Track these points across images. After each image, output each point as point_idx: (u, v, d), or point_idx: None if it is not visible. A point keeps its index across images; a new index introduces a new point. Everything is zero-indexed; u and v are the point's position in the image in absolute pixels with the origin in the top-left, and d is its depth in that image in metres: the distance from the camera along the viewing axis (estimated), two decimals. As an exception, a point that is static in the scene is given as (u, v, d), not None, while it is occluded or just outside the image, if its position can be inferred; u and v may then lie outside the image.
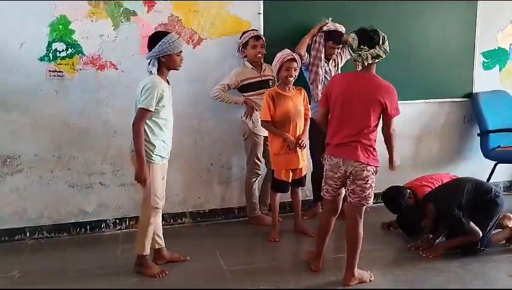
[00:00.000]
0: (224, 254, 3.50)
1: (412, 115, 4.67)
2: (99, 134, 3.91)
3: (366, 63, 2.96)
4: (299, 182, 3.86)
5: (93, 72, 3.81)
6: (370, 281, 3.14)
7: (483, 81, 4.84)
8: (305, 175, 3.87)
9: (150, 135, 3.07)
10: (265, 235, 3.86)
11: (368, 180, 2.98)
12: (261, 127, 3.85)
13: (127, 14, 3.80)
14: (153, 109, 3.00)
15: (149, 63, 3.08)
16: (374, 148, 3.02)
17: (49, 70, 3.71)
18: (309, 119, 3.82)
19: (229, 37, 4.01)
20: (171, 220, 4.16)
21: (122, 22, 3.80)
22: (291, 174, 3.78)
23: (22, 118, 3.74)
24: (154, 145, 3.10)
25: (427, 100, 4.71)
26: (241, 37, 3.91)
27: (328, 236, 3.25)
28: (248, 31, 3.93)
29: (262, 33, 4.02)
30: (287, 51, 3.64)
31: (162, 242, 3.40)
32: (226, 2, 3.99)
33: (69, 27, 3.71)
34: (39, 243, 3.84)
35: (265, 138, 3.97)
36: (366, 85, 3.00)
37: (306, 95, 3.81)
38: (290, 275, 3.30)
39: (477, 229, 3.41)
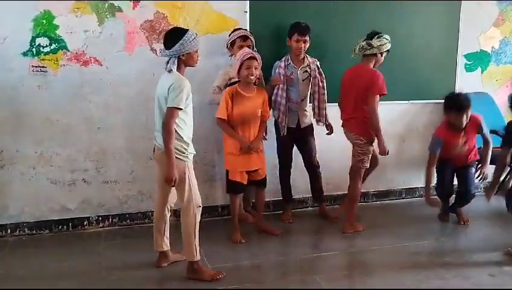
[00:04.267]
0: (207, 252, 3.49)
1: (395, 115, 4.73)
2: (82, 130, 3.88)
3: (355, 51, 3.86)
4: (261, 182, 3.85)
5: (77, 68, 3.77)
6: (363, 230, 3.97)
7: (466, 83, 4.90)
8: (265, 176, 3.87)
9: (181, 133, 3.03)
10: (249, 233, 3.87)
11: (361, 147, 3.85)
12: None
13: (112, 10, 3.78)
14: (183, 107, 2.97)
15: (167, 61, 3.02)
16: (367, 123, 3.81)
17: (32, 66, 3.67)
18: (266, 122, 3.84)
19: (215, 35, 4.01)
20: (155, 218, 4.15)
21: (107, 17, 3.78)
22: (246, 175, 3.74)
23: (4, 113, 3.69)
24: (188, 143, 3.08)
25: (410, 101, 4.76)
26: (230, 35, 3.88)
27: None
28: (237, 29, 3.90)
29: (245, 30, 3.98)
30: (246, 50, 3.60)
31: (168, 244, 3.36)
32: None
33: (53, 22, 3.67)
34: (20, 240, 3.80)
35: None
36: (358, 74, 3.85)
37: (266, 97, 3.76)
38: (273, 272, 3.32)
39: None
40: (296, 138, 4.12)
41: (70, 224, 3.97)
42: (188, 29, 3.03)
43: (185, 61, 3.03)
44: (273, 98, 3.95)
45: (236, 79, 3.73)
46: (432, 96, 4.82)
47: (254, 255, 3.57)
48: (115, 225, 4.05)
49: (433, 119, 4.89)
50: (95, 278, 3.18)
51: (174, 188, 3.13)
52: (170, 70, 3.00)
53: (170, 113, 2.94)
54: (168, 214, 3.35)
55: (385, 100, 4.54)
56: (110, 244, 3.74)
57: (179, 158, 3.02)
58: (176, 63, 3.00)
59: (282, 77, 3.93)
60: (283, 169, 4.22)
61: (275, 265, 3.45)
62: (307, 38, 3.91)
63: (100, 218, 4.03)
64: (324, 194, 4.35)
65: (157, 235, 3.32)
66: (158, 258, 3.35)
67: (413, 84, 4.72)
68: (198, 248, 3.14)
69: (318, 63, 4.07)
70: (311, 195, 4.38)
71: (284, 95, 3.95)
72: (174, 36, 2.99)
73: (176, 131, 2.98)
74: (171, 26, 3.88)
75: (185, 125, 3.05)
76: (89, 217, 4.00)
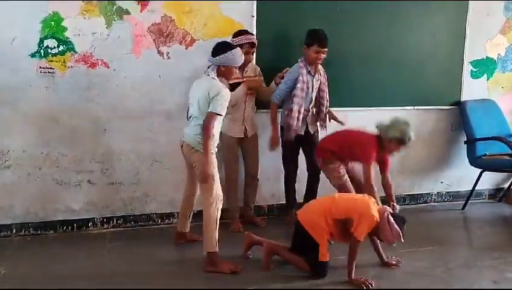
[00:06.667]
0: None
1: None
2: (88, 132, 3.89)
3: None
4: None
5: (84, 69, 3.80)
6: None
7: (471, 89, 4.90)
8: None
9: (214, 132, 3.23)
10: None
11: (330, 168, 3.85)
12: (232, 128, 3.95)
13: (120, 13, 3.80)
14: (223, 114, 3.23)
15: (209, 66, 3.28)
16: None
17: (40, 67, 3.70)
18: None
19: (222, 38, 3.99)
20: (159, 220, 4.16)
21: (115, 20, 3.80)
22: None
23: (11, 114, 3.72)
24: (215, 141, 3.31)
25: (416, 107, 4.76)
26: (235, 36, 3.84)
27: None
28: (244, 33, 3.87)
29: (254, 35, 3.99)
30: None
31: (189, 227, 3.74)
32: (219, 2, 4.00)
33: (62, 24, 3.70)
34: (25, 240, 3.82)
35: (241, 138, 4.01)
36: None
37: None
38: (280, 275, 3.31)
39: None
40: (302, 142, 4.12)
41: (75, 225, 3.98)
42: (236, 46, 3.34)
43: (223, 72, 3.30)
44: (289, 107, 3.93)
45: (239, 80, 3.79)
46: (437, 102, 4.83)
47: (257, 258, 3.58)
48: (119, 227, 4.06)
49: (438, 125, 4.89)
50: (99, 278, 3.19)
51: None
52: (208, 75, 3.25)
53: (212, 118, 3.18)
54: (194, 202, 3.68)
55: (390, 106, 4.58)
56: (115, 246, 3.75)
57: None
58: (215, 71, 3.27)
59: (303, 84, 3.89)
60: (290, 174, 4.19)
61: (276, 266, 3.46)
62: (327, 49, 3.88)
63: (105, 219, 4.04)
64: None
65: (182, 218, 3.72)
66: (177, 237, 3.74)
67: (419, 90, 4.72)
68: (216, 240, 3.27)
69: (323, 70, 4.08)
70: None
71: (303, 104, 3.93)
72: (222, 47, 3.27)
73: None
74: (178, 29, 3.92)
75: (217, 126, 3.29)
76: (94, 218, 4.01)
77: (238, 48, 3.32)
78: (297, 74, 3.89)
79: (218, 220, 3.28)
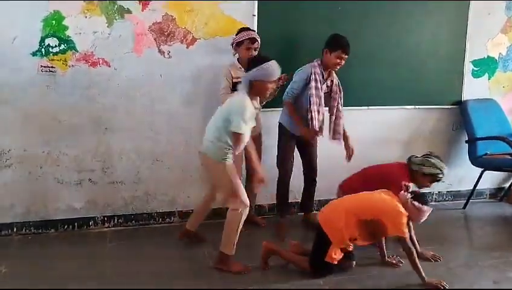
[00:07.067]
0: (212, 253, 3.50)
1: (401, 120, 4.72)
2: (89, 131, 3.89)
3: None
4: None
5: (85, 68, 3.79)
6: None
7: (472, 89, 4.89)
8: None
9: (228, 139, 3.18)
10: (251, 236, 3.86)
11: None
12: None
13: (121, 12, 3.80)
14: (243, 132, 3.13)
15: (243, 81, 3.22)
16: None
17: (41, 66, 3.70)
18: None
19: (223, 38, 4.01)
20: (160, 219, 4.16)
21: (116, 19, 3.80)
22: None
23: (12, 113, 3.72)
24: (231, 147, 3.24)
25: (417, 106, 4.76)
26: (237, 34, 3.83)
27: None
28: (245, 29, 3.85)
29: (255, 31, 3.95)
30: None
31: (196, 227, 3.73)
32: (220, 2, 4.00)
33: (63, 23, 3.69)
34: (26, 238, 3.82)
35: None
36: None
37: None
38: (280, 275, 3.32)
39: None
40: (299, 143, 4.04)
41: (76, 224, 3.98)
42: (271, 60, 3.17)
43: (256, 88, 3.17)
44: (307, 107, 3.83)
45: (236, 80, 3.75)
46: (438, 102, 4.82)
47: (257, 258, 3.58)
48: (120, 226, 4.07)
49: (439, 125, 4.89)
50: (100, 278, 3.19)
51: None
52: (240, 92, 3.19)
53: (236, 137, 3.14)
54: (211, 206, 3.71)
55: (391, 105, 4.58)
56: (115, 245, 3.75)
57: (226, 161, 3.24)
58: (247, 86, 3.16)
59: (317, 83, 3.80)
60: (287, 177, 4.03)
61: (277, 267, 3.46)
62: (347, 57, 3.81)
63: (106, 218, 4.04)
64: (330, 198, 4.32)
65: (196, 217, 3.72)
66: (183, 233, 3.76)
67: (420, 90, 4.71)
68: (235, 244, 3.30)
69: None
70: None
71: (321, 103, 3.84)
72: (256, 62, 3.17)
73: (227, 141, 3.18)
74: (179, 28, 3.92)
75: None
76: (95, 217, 4.02)
77: (274, 62, 3.16)
78: (309, 73, 3.78)
79: (240, 226, 3.26)
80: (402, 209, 3.16)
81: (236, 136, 3.13)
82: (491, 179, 5.04)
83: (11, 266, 3.33)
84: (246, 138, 3.22)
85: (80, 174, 3.93)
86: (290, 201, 4.17)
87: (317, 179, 4.15)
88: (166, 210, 4.18)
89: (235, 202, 3.24)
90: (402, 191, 3.26)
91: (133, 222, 4.11)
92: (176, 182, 4.14)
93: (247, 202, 3.27)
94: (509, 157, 4.50)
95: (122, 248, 3.71)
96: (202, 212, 3.71)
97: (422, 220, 3.24)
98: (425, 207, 3.17)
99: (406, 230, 3.15)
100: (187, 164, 4.14)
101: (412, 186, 3.40)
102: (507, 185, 5.14)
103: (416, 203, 3.16)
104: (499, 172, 4.90)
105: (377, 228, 3.16)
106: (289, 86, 3.88)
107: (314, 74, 3.80)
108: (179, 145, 4.11)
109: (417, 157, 3.69)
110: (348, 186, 3.78)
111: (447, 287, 3.13)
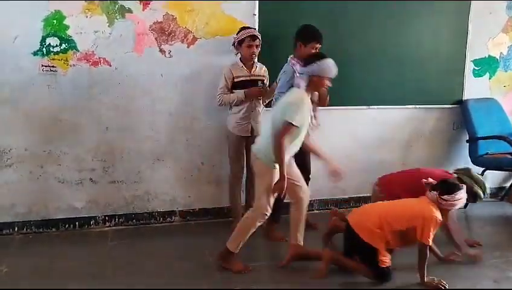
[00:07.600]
0: (213, 253, 3.50)
1: (402, 120, 4.72)
2: (90, 130, 3.90)
3: None
4: None
5: (86, 68, 3.80)
6: None
7: (473, 88, 4.89)
8: None
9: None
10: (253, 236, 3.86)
11: None
12: (239, 127, 3.88)
13: (122, 11, 3.80)
14: (298, 125, 3.07)
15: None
16: None
17: (42, 65, 3.70)
18: None
19: (224, 37, 4.02)
20: (161, 219, 4.17)
21: (117, 18, 3.80)
22: None
23: (13, 112, 3.72)
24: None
25: (417, 105, 4.76)
26: (238, 33, 3.83)
27: None
28: (246, 28, 3.85)
29: (255, 29, 3.95)
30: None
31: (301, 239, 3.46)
32: (221, 1, 4.00)
33: (64, 22, 3.70)
34: (27, 238, 3.83)
35: (247, 137, 3.91)
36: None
37: None
38: (280, 275, 3.32)
39: None
40: None
41: (77, 223, 3.99)
42: (328, 58, 3.18)
43: (314, 82, 3.18)
44: None
45: (238, 79, 3.78)
46: (439, 101, 4.82)
47: (259, 257, 3.59)
48: (121, 225, 4.07)
49: (440, 124, 4.89)
50: (101, 277, 3.20)
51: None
52: (298, 86, 3.20)
53: (285, 128, 3.05)
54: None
55: (392, 105, 4.58)
56: (116, 244, 3.76)
57: (275, 168, 3.16)
58: (306, 81, 3.18)
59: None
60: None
61: (277, 267, 3.46)
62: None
63: (107, 218, 4.05)
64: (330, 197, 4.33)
65: (293, 228, 3.48)
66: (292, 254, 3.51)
67: (420, 89, 4.71)
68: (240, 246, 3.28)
69: None
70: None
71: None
72: (315, 57, 3.22)
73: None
74: (180, 28, 3.92)
75: (287, 141, 3.10)
76: (96, 216, 4.02)
77: (331, 60, 3.17)
78: (291, 72, 3.71)
79: (252, 230, 3.26)
80: (436, 214, 3.13)
81: (286, 127, 3.05)
82: (492, 179, 5.03)
83: (12, 265, 3.33)
84: (302, 133, 3.19)
85: (80, 173, 3.93)
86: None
87: (317, 178, 4.14)
88: (167, 209, 4.18)
89: (258, 207, 3.23)
90: (428, 192, 3.23)
91: (134, 221, 4.11)
92: (177, 182, 4.15)
93: (268, 212, 3.24)
94: (510, 157, 4.50)
95: (123, 247, 3.71)
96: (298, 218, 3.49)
97: (462, 204, 3.23)
98: (456, 194, 3.14)
99: (431, 238, 3.12)
100: (188, 163, 4.15)
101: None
102: (508, 184, 5.14)
103: (445, 196, 3.14)
104: (499, 171, 4.90)
105: (411, 235, 3.15)
106: (276, 92, 3.77)
107: (296, 72, 3.75)
108: (180, 145, 4.11)
109: (470, 170, 3.64)
110: (388, 181, 3.78)
111: (447, 287, 3.13)
